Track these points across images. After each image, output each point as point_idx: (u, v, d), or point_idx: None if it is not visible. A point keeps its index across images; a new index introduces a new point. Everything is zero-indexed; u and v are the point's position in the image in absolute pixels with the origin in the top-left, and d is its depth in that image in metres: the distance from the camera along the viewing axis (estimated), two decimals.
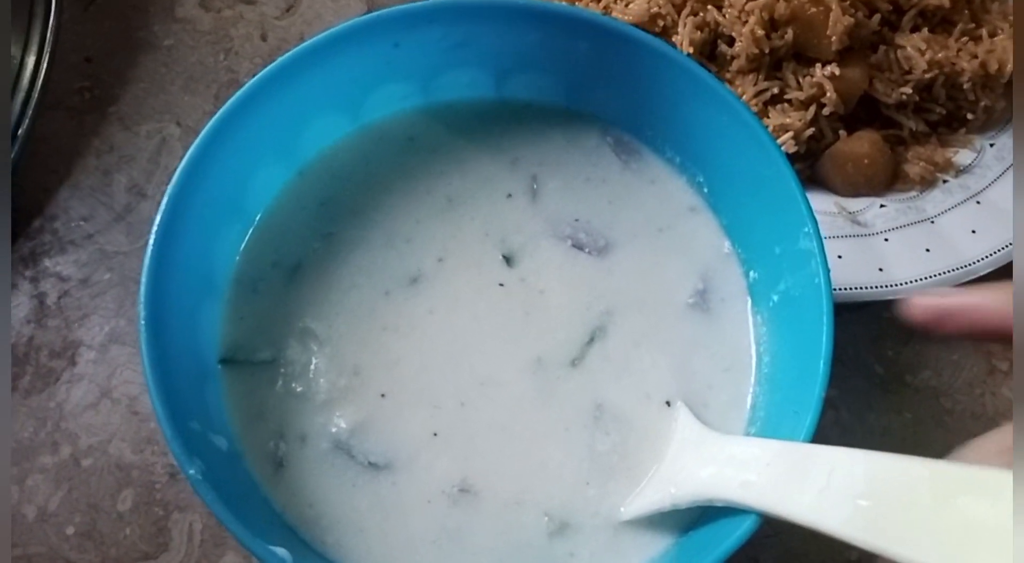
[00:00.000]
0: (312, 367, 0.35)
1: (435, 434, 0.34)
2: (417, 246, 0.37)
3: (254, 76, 0.34)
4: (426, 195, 0.38)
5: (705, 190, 0.38)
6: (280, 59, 0.35)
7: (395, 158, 0.38)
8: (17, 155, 0.46)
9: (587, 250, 0.37)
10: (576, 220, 0.38)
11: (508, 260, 0.37)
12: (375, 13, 0.35)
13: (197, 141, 0.33)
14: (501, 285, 0.36)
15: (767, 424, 0.33)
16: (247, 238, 0.37)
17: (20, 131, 0.46)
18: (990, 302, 0.28)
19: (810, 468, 0.27)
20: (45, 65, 0.48)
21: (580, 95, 0.39)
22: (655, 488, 0.33)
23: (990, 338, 0.28)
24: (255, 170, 0.36)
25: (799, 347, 0.32)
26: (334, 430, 0.34)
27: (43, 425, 0.43)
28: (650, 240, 0.37)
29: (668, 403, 0.35)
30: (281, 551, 0.28)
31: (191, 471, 0.28)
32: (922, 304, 0.29)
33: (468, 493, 0.33)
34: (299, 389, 0.35)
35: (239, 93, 0.34)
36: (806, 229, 0.32)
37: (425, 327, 0.36)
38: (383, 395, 0.35)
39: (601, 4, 0.48)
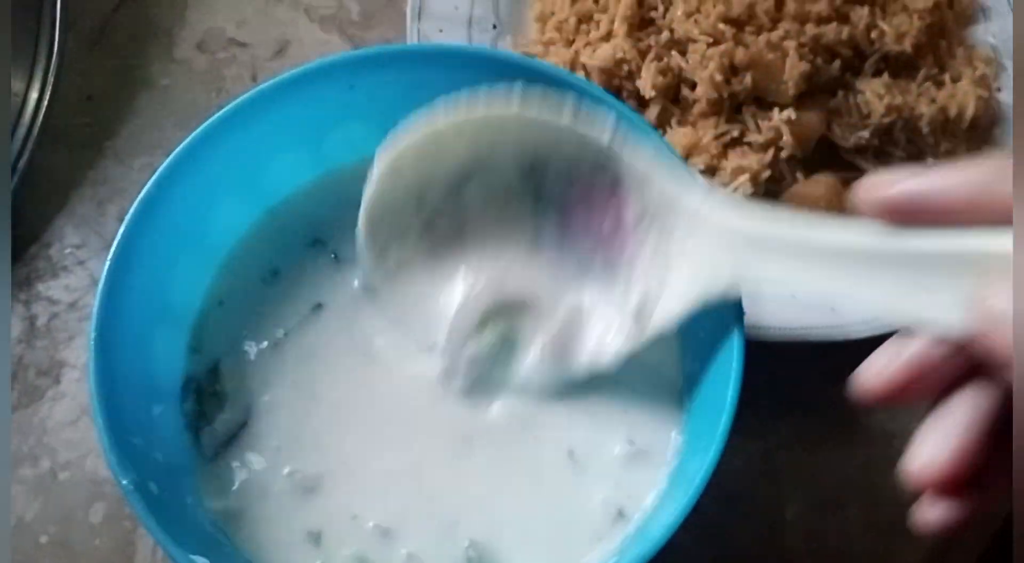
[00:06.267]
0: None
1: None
2: None
3: None
4: None
5: None
6: (236, 101, 0.37)
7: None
8: (17, 185, 0.49)
9: None
10: None
11: None
12: (327, 58, 0.37)
13: (154, 176, 0.36)
14: None
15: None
16: (212, 271, 0.39)
17: (20, 163, 0.50)
18: (958, 184, 0.24)
19: None
20: (47, 101, 0.51)
21: None
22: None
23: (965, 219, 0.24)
24: (217, 205, 0.39)
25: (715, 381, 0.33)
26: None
27: (26, 439, 0.45)
28: None
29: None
30: (201, 560, 0.30)
31: (124, 481, 0.30)
32: (882, 188, 0.25)
33: None
34: None
35: (195, 133, 0.36)
36: None
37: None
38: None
39: (572, 49, 0.50)
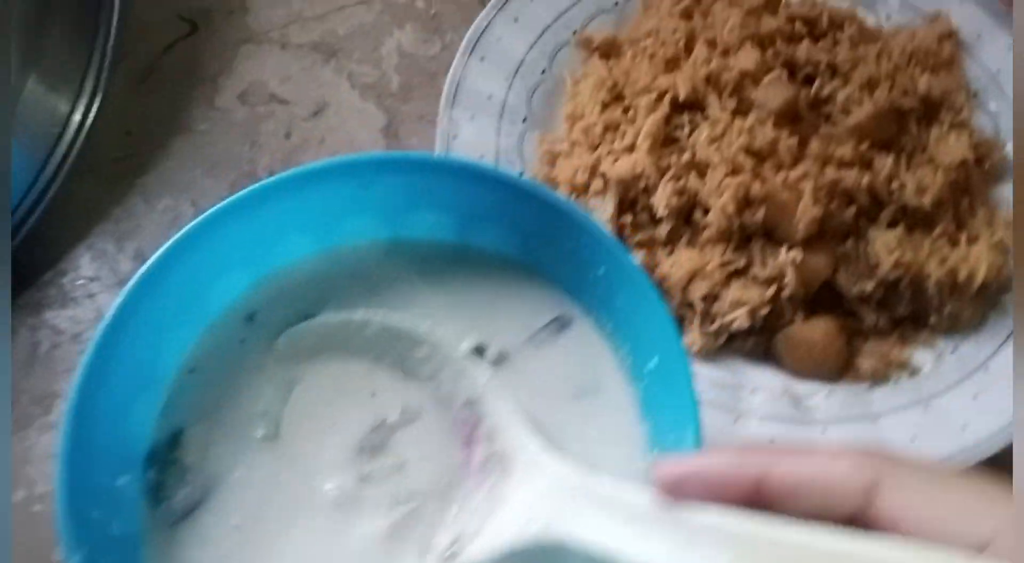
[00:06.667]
0: None
1: None
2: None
3: (270, 172, 0.38)
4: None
5: (629, 361, 0.39)
6: (258, 185, 0.38)
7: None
8: (45, 210, 0.51)
9: None
10: None
11: None
12: (342, 159, 0.38)
13: (169, 244, 0.37)
14: None
15: None
16: (197, 335, 0.40)
17: (51, 189, 0.51)
18: (726, 463, 0.28)
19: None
20: (87, 130, 0.53)
21: (533, 252, 0.41)
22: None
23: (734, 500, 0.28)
24: (219, 276, 0.40)
25: None
26: None
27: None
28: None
29: None
30: None
31: (74, 559, 0.31)
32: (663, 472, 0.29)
33: None
34: None
35: (209, 212, 0.37)
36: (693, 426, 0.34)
37: None
38: None
39: (595, 154, 0.51)
